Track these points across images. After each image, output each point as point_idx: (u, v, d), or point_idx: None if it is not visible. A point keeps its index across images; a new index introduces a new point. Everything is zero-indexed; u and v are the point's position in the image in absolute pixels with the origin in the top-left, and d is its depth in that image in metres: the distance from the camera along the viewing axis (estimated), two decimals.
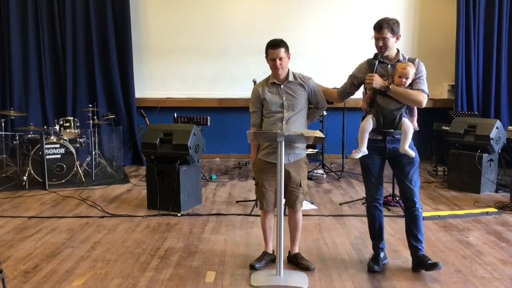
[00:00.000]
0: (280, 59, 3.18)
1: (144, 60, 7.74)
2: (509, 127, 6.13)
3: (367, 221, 3.45)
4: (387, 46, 3.12)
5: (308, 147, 3.49)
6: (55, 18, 7.20)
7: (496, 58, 7.22)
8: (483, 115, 7.16)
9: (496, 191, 5.59)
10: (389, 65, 3.19)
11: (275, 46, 3.19)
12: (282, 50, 3.18)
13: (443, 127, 6.49)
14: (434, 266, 3.16)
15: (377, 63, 3.17)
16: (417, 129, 3.31)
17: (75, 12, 7.22)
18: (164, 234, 4.09)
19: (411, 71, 3.08)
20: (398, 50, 3.21)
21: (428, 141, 7.13)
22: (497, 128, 5.51)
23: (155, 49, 7.76)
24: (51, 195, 5.45)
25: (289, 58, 3.25)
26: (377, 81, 3.10)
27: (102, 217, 4.60)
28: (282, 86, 3.28)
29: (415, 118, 3.25)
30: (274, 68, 3.23)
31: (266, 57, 3.27)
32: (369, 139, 3.21)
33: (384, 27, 3.09)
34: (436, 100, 7.42)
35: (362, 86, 3.33)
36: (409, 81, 3.09)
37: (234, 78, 7.62)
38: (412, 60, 3.16)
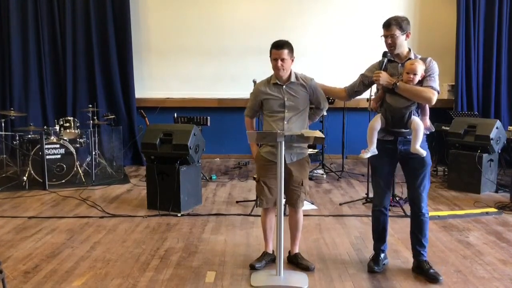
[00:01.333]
0: (282, 60, 3.18)
1: (144, 60, 7.74)
2: (509, 127, 6.13)
3: (371, 223, 3.43)
4: (396, 44, 3.08)
5: (308, 147, 3.49)
6: (55, 18, 7.20)
7: (496, 58, 7.22)
8: (483, 115, 7.16)
9: (496, 191, 5.59)
10: (400, 64, 3.14)
11: (278, 47, 3.18)
12: (285, 51, 3.18)
13: (443, 127, 6.50)
14: (434, 279, 3.11)
15: (385, 61, 3.14)
16: (433, 130, 3.25)
17: (75, 12, 7.22)
18: (164, 234, 4.09)
19: (420, 67, 3.02)
20: (409, 49, 3.16)
21: (428, 141, 7.13)
22: (497, 128, 5.51)
23: (155, 49, 7.76)
24: (51, 195, 5.45)
25: (292, 60, 3.24)
26: (384, 78, 3.06)
27: (102, 217, 4.60)
28: (284, 86, 3.28)
29: (427, 117, 3.17)
30: (275, 68, 3.23)
31: (270, 56, 3.27)
32: (380, 140, 3.17)
33: (392, 24, 3.06)
34: (436, 100, 7.41)
35: (374, 87, 3.31)
36: (417, 77, 3.03)
37: (234, 78, 7.62)
38: (424, 59, 3.10)
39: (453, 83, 7.42)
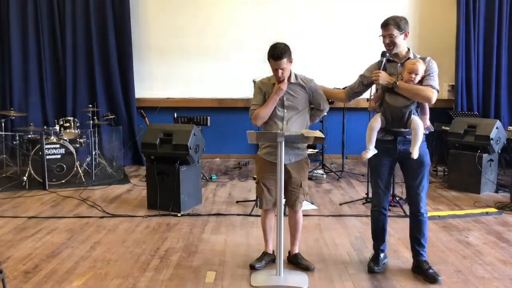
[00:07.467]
0: (282, 69, 3.16)
1: (144, 60, 7.74)
2: (509, 127, 6.13)
3: (370, 223, 3.42)
4: (395, 43, 3.09)
5: (308, 147, 3.49)
6: (55, 18, 7.21)
7: (496, 58, 7.22)
8: (483, 115, 7.16)
9: (496, 191, 5.59)
10: (399, 64, 3.15)
11: (276, 58, 3.12)
12: (284, 61, 3.13)
13: (443, 127, 6.50)
14: (433, 279, 3.11)
15: (384, 60, 3.15)
16: (432, 130, 3.25)
17: (75, 12, 7.22)
18: (164, 234, 4.09)
19: (421, 67, 3.03)
20: (408, 49, 3.17)
21: (428, 141, 7.13)
22: (497, 128, 5.51)
23: (155, 49, 7.76)
24: (51, 195, 5.45)
25: (291, 63, 3.22)
26: (383, 77, 3.07)
27: (102, 217, 4.60)
28: None
29: (427, 117, 3.17)
30: (275, 76, 3.21)
31: (268, 60, 3.24)
32: (379, 140, 3.17)
33: (390, 24, 3.07)
34: (436, 100, 7.41)
35: (374, 86, 3.31)
36: (418, 77, 3.03)
37: (234, 78, 7.61)
38: (423, 59, 3.11)
39: (453, 83, 7.42)
